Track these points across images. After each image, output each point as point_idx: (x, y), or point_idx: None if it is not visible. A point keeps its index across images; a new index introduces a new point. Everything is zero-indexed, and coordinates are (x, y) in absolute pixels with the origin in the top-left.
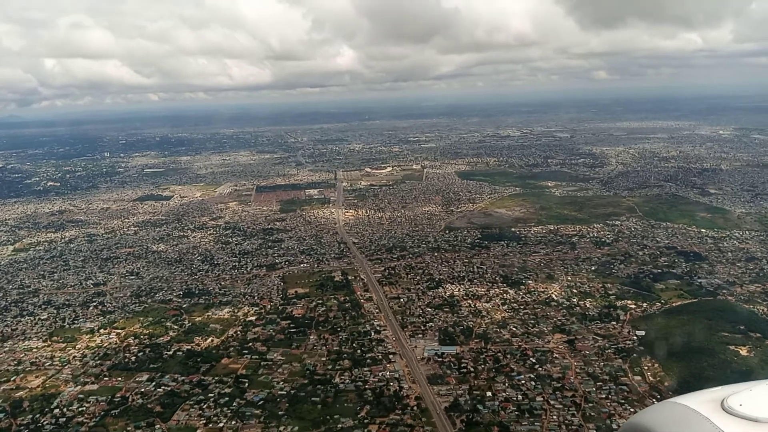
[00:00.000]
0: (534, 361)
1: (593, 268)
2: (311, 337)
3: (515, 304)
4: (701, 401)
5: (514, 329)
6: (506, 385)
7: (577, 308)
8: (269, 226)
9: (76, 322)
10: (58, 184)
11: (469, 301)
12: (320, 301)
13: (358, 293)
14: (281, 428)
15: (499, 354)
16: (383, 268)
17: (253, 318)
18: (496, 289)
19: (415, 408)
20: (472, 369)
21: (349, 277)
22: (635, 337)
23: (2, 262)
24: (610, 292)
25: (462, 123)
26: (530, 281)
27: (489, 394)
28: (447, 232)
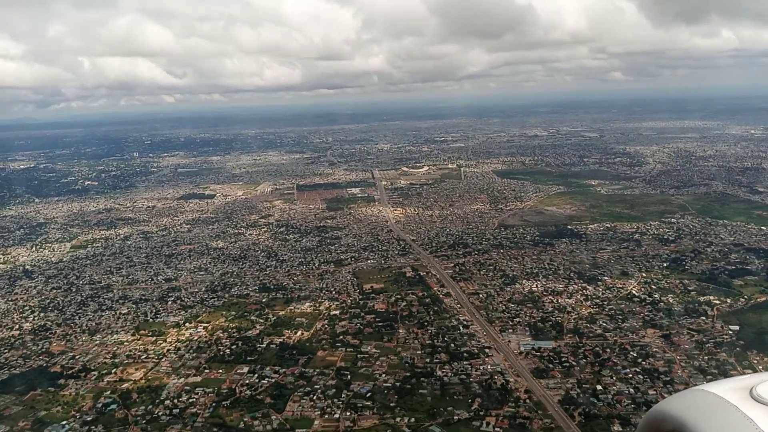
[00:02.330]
0: (635, 355)
1: (665, 265)
2: (400, 331)
3: (598, 300)
4: (729, 389)
5: (604, 324)
6: (614, 378)
7: (661, 304)
8: (321, 224)
9: (158, 316)
10: (96, 183)
11: (550, 297)
12: (399, 296)
13: (435, 289)
14: (397, 419)
15: (598, 348)
16: (452, 265)
17: (337, 312)
18: (574, 285)
19: (527, 401)
20: (574, 363)
21: (421, 273)
22: (730, 332)
23: (64, 259)
24: (689, 288)
25: (484, 123)
26: (606, 278)
27: (599, 387)
28: (503, 229)
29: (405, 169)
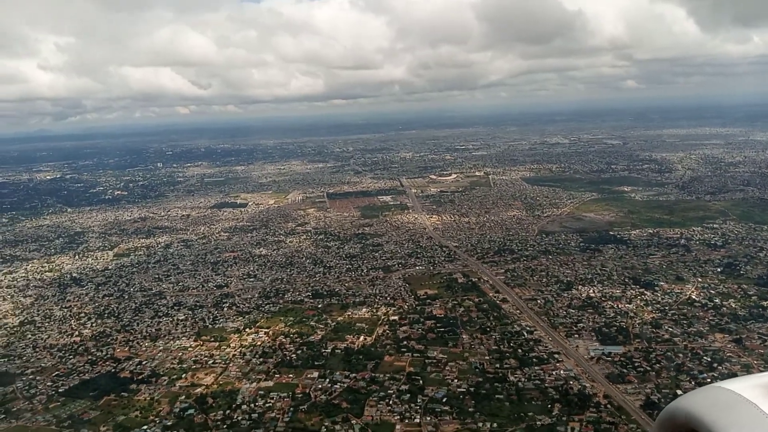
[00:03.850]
0: (709, 359)
1: (719, 270)
2: (464, 337)
3: (658, 305)
4: (747, 386)
5: (670, 329)
6: (693, 383)
7: (724, 308)
8: (359, 231)
9: (216, 322)
10: (126, 192)
11: (609, 303)
12: (456, 302)
13: (490, 295)
14: (479, 424)
15: (669, 353)
16: (503, 271)
17: (396, 318)
18: (632, 291)
19: (608, 406)
20: (648, 368)
21: (472, 279)
22: None
23: (110, 267)
24: (750, 293)
25: (501, 132)
26: (662, 283)
27: (679, 392)
28: (544, 236)
29: (433, 177)
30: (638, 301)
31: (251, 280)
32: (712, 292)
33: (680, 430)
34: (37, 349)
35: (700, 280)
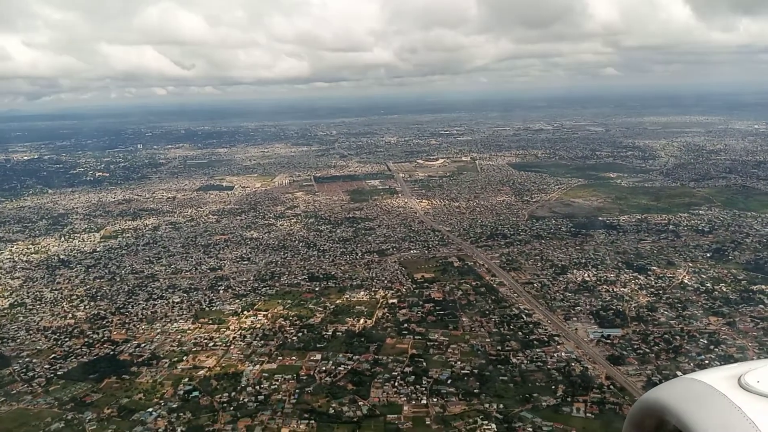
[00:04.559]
0: (706, 342)
1: (708, 255)
2: (463, 319)
3: (653, 289)
4: (718, 377)
5: (666, 312)
6: (692, 365)
7: (716, 292)
8: (350, 215)
9: (213, 304)
10: (107, 174)
11: (605, 286)
12: (453, 285)
13: (487, 278)
14: (485, 405)
15: (667, 336)
16: (497, 255)
17: (395, 301)
18: (626, 275)
19: (611, 387)
20: (647, 350)
21: (468, 263)
22: None
23: (98, 249)
24: (739, 278)
25: (483, 118)
26: (654, 267)
27: (679, 373)
28: (535, 220)
29: (420, 161)
30: (632, 285)
31: (245, 263)
32: (703, 276)
33: (653, 420)
34: (31, 332)
35: (690, 264)
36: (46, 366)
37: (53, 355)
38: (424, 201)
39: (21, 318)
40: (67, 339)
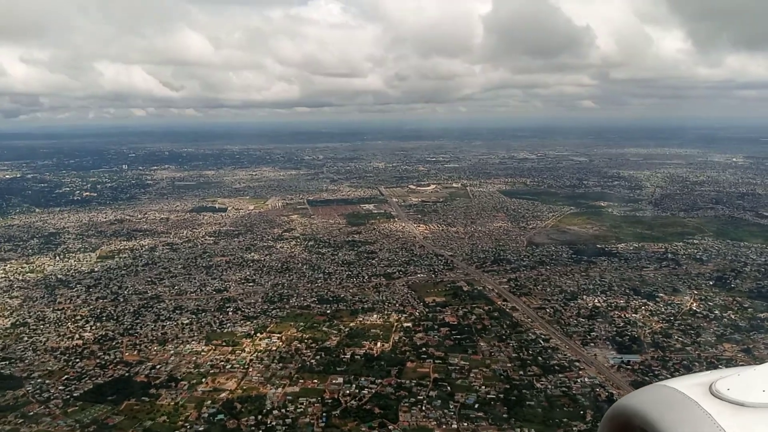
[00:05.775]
0: (725, 368)
1: (711, 283)
2: (481, 344)
3: (664, 316)
4: (690, 385)
5: (681, 339)
6: None
7: (725, 319)
8: (349, 239)
9: (224, 326)
10: (95, 194)
11: (617, 312)
12: (466, 310)
13: (499, 303)
14: (517, 430)
15: (685, 362)
16: (506, 280)
17: (410, 324)
18: (635, 301)
19: None
20: (668, 376)
21: (477, 288)
22: None
23: (96, 269)
24: (745, 306)
25: (467, 146)
26: (661, 294)
27: None
28: (535, 247)
29: (412, 186)
30: (644, 311)
31: (250, 284)
32: (710, 303)
33: (626, 426)
34: (38, 352)
35: (695, 292)
36: (61, 387)
37: (66, 377)
38: (421, 225)
39: (25, 338)
40: (77, 360)
